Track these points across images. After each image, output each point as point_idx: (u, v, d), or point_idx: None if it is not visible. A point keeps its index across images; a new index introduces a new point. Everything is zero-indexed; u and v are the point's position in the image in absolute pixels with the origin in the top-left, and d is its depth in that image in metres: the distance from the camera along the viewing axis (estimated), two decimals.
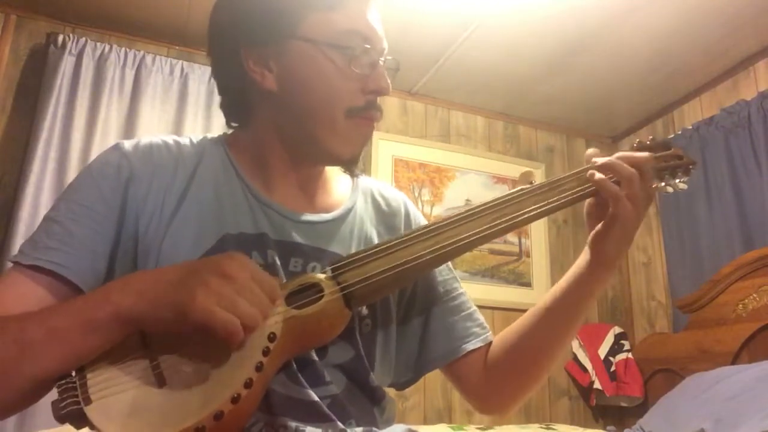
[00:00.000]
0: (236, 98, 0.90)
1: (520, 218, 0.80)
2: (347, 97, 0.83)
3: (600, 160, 0.82)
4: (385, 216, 0.97)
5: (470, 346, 0.93)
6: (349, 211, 0.92)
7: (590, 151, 0.87)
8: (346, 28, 0.82)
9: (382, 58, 0.86)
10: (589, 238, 0.84)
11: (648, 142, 0.91)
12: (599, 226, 0.82)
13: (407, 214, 1.00)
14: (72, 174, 2.37)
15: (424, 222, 1.01)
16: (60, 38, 2.57)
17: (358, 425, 0.78)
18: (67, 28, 2.69)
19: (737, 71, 2.92)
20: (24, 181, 2.36)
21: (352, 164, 0.91)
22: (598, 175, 0.80)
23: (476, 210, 0.80)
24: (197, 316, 0.60)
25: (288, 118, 0.85)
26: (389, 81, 0.86)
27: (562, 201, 0.82)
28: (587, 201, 0.85)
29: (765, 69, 2.80)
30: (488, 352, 0.94)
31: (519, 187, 0.83)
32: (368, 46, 0.83)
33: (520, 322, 0.92)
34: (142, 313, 0.63)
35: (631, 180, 0.79)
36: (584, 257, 0.85)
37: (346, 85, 0.82)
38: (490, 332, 0.97)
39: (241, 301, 0.62)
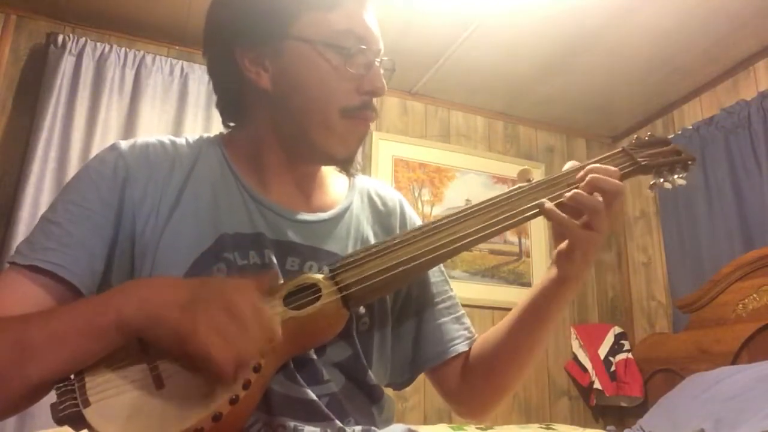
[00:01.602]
0: (232, 97, 0.90)
1: (518, 217, 0.79)
2: (342, 96, 0.83)
3: (567, 194, 0.78)
4: (382, 216, 0.97)
5: (459, 348, 0.94)
6: (345, 210, 0.92)
7: (569, 165, 0.85)
8: (342, 28, 0.82)
9: (378, 59, 0.86)
10: (553, 255, 0.83)
11: (647, 138, 0.91)
12: (563, 245, 0.80)
13: (403, 214, 1.00)
14: (72, 174, 2.35)
15: (419, 221, 1.01)
16: (60, 38, 2.57)
17: (357, 424, 0.78)
18: (67, 28, 2.69)
19: (737, 71, 2.92)
20: (24, 181, 2.36)
21: (347, 164, 0.90)
22: (549, 206, 0.78)
23: (473, 209, 0.80)
24: (195, 349, 0.59)
25: (284, 117, 0.85)
26: (385, 81, 0.86)
27: (561, 199, 0.81)
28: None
29: (765, 69, 2.80)
30: (467, 358, 0.95)
31: (517, 185, 0.83)
32: (364, 47, 0.83)
33: (495, 331, 0.92)
34: (142, 325, 0.63)
35: (595, 212, 0.76)
36: (550, 272, 0.84)
37: (341, 84, 0.82)
38: (476, 335, 0.98)
39: (241, 340, 0.61)
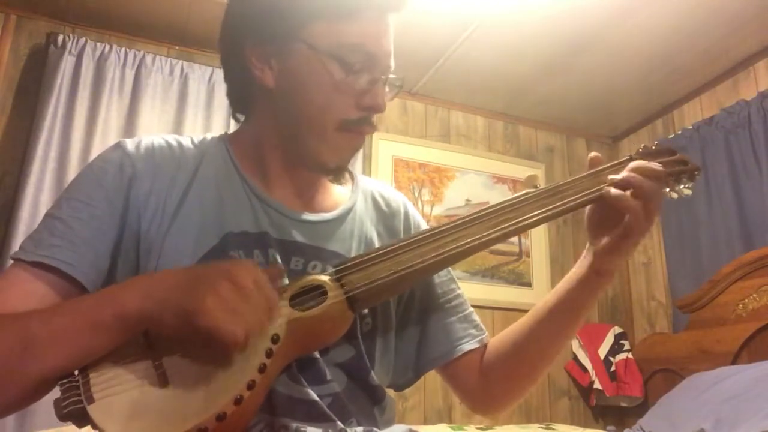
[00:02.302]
0: (239, 91, 0.91)
1: (524, 223, 0.79)
2: (340, 109, 0.82)
3: (618, 177, 0.78)
4: (385, 216, 0.97)
5: (466, 347, 0.94)
6: (349, 210, 0.93)
7: (593, 155, 0.85)
8: (352, 42, 0.81)
9: (385, 76, 0.85)
10: (597, 248, 0.82)
11: (653, 148, 0.91)
12: (610, 238, 0.79)
13: (407, 215, 1.00)
14: (72, 174, 2.37)
15: (423, 223, 1.01)
16: (60, 38, 2.57)
17: (359, 425, 0.78)
18: (67, 28, 2.69)
19: (737, 71, 2.92)
20: (24, 181, 2.36)
21: (337, 173, 0.91)
22: (615, 191, 0.77)
23: (480, 214, 0.80)
24: (203, 322, 0.60)
25: (282, 118, 0.86)
26: (390, 98, 0.87)
27: (567, 206, 0.81)
28: (589, 208, 0.83)
29: (765, 69, 2.80)
30: (484, 354, 0.95)
31: (524, 191, 0.83)
32: (370, 63, 0.82)
33: (518, 326, 0.92)
34: (148, 314, 0.63)
35: (655, 194, 0.77)
36: (586, 265, 0.84)
37: (340, 97, 0.82)
38: (486, 333, 0.98)
39: (247, 309, 0.62)
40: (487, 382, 0.93)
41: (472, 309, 1.00)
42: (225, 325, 0.59)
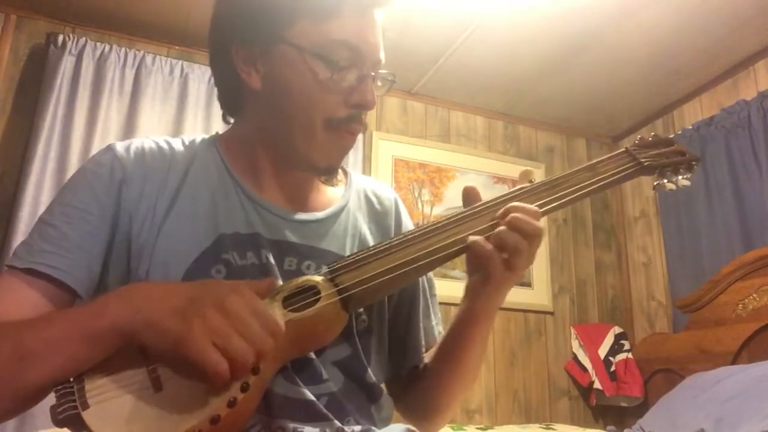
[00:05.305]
0: (228, 93, 0.91)
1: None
2: (327, 108, 0.81)
3: (501, 227, 0.74)
4: (378, 215, 0.97)
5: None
6: (342, 209, 0.92)
7: (467, 186, 0.83)
8: (335, 39, 0.80)
9: (373, 72, 0.84)
10: (465, 288, 0.82)
11: (650, 139, 0.91)
12: (473, 279, 0.79)
13: (398, 214, 1.00)
14: (72, 174, 2.37)
15: (410, 223, 1.01)
16: (60, 38, 2.57)
17: (356, 423, 0.78)
18: (67, 28, 2.69)
19: (737, 71, 2.92)
20: (24, 181, 2.36)
21: (328, 174, 0.90)
22: (473, 238, 0.75)
23: (475, 209, 0.79)
24: (189, 352, 0.59)
25: (271, 120, 0.85)
26: (383, 93, 0.86)
27: (563, 200, 0.80)
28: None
29: (765, 69, 2.80)
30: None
31: (518, 186, 0.82)
32: (356, 59, 0.81)
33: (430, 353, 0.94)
34: (138, 331, 0.63)
35: (516, 250, 0.73)
36: (462, 305, 0.84)
37: (326, 96, 0.81)
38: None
39: (237, 339, 0.60)
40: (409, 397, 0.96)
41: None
42: (208, 356, 0.58)
